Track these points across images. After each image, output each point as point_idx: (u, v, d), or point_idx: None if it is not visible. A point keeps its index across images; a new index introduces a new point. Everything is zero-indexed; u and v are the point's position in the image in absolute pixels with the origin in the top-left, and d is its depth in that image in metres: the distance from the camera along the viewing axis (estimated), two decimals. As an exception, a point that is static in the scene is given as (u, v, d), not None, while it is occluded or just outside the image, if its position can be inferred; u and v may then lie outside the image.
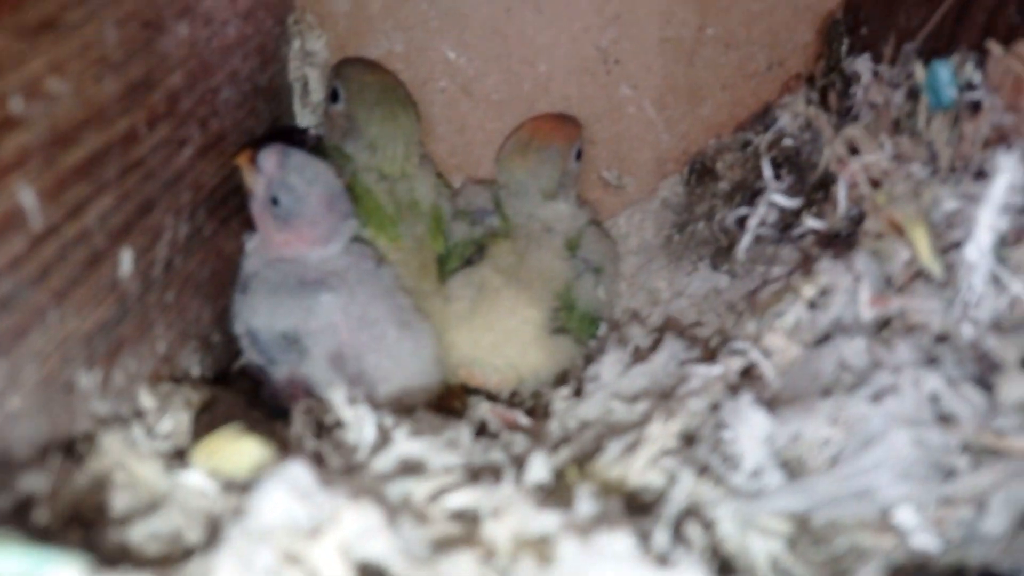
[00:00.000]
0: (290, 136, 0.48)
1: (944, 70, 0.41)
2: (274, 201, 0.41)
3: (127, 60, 0.30)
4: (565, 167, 0.54)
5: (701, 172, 0.60)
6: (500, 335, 0.49)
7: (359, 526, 0.21)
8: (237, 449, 0.26)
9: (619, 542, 0.22)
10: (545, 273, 0.51)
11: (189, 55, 0.36)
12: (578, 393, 0.43)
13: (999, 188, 0.33)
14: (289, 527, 0.21)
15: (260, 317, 0.42)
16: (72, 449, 0.28)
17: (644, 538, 0.23)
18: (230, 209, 0.43)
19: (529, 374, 0.50)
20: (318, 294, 0.42)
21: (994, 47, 0.38)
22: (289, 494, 0.22)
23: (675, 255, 0.59)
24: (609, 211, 0.61)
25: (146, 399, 0.33)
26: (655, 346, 0.45)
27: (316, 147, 0.51)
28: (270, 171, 0.41)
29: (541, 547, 0.23)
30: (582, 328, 0.52)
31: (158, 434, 0.30)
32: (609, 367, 0.42)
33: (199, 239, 0.39)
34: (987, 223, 0.33)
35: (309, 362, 0.42)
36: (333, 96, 0.51)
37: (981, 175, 0.35)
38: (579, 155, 0.55)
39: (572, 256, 0.53)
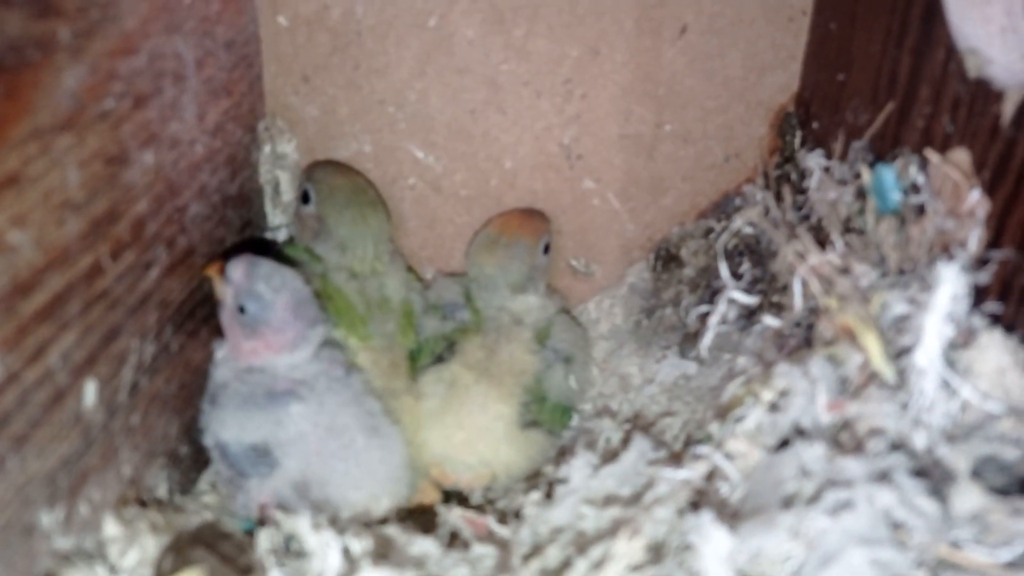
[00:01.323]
0: (261, 246, 0.49)
1: (888, 174, 0.43)
2: (241, 309, 0.42)
3: (90, 199, 0.31)
4: (533, 261, 0.55)
5: (666, 259, 0.62)
6: (472, 432, 0.50)
7: None
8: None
9: None
10: (515, 367, 0.52)
11: (155, 180, 0.37)
12: (549, 496, 0.43)
13: (943, 298, 0.34)
14: None
15: (229, 430, 0.42)
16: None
17: None
18: (198, 321, 0.43)
19: (502, 470, 0.50)
20: (287, 405, 0.42)
21: (931, 155, 0.40)
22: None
23: (644, 340, 0.60)
24: (579, 297, 0.62)
25: (111, 527, 0.33)
26: (625, 443, 0.46)
27: (284, 247, 0.52)
28: (238, 280, 0.42)
29: None
30: (554, 419, 0.53)
31: (122, 569, 0.30)
32: (579, 469, 0.42)
33: (166, 356, 0.39)
34: (934, 331, 0.34)
35: (280, 473, 0.42)
36: (304, 198, 0.52)
37: (927, 283, 0.36)
38: (547, 248, 0.56)
39: (542, 348, 0.54)
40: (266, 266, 0.43)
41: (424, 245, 0.60)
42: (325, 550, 0.30)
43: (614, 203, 0.60)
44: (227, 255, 0.43)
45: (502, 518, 0.43)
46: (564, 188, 0.59)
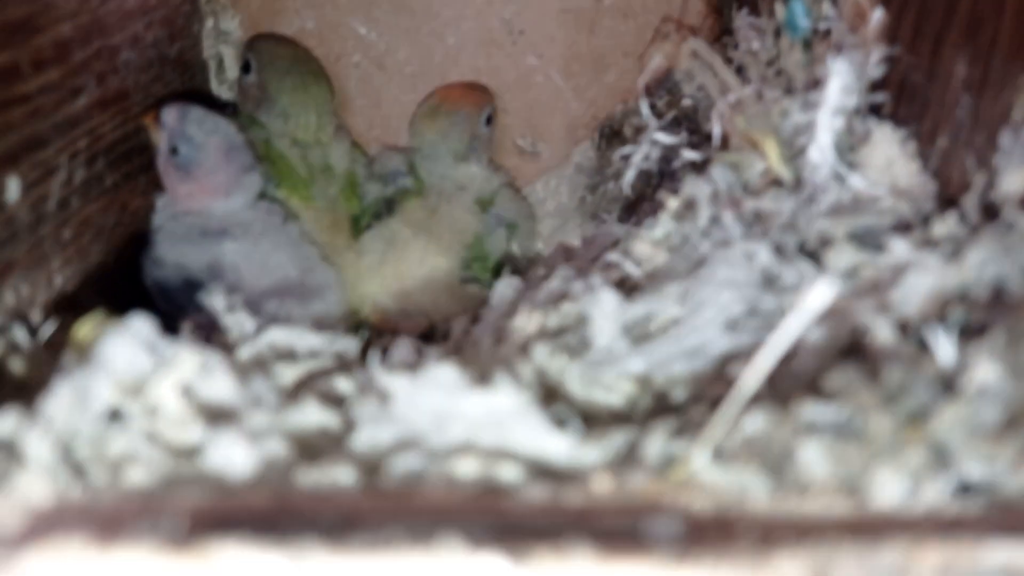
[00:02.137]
0: (202, 99, 0.50)
1: (798, 4, 0.44)
2: (173, 151, 0.43)
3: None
4: (474, 131, 0.56)
5: (610, 137, 0.63)
6: (410, 282, 0.51)
7: (199, 367, 0.23)
8: (96, 323, 0.27)
9: (446, 374, 0.24)
10: (456, 225, 0.54)
11: (79, 10, 0.38)
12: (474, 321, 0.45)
13: (833, 91, 0.36)
14: (131, 372, 0.23)
15: (165, 268, 0.44)
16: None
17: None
18: (135, 166, 0.45)
19: (440, 321, 0.52)
20: (221, 243, 0.44)
21: (836, -24, 0.41)
22: (132, 344, 0.23)
23: (588, 214, 0.62)
24: (526, 178, 0.64)
25: (37, 315, 0.35)
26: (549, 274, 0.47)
27: (232, 116, 0.54)
28: (171, 124, 0.44)
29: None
30: (496, 278, 0.54)
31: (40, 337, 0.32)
32: (500, 294, 0.44)
33: (99, 187, 0.41)
34: (825, 124, 0.36)
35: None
36: (245, 67, 0.54)
37: (820, 84, 0.38)
38: (489, 120, 0.58)
39: (484, 212, 0.55)
40: (198, 111, 0.44)
41: (370, 124, 0.61)
42: (240, 323, 0.32)
43: (557, 80, 0.61)
44: (161, 103, 0.45)
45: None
46: (508, 65, 0.60)
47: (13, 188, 0.33)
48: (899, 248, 0.29)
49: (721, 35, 0.60)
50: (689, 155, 0.46)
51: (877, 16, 0.39)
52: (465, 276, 0.53)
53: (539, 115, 0.62)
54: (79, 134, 0.39)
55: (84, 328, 0.27)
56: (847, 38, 0.40)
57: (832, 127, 0.36)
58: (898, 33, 0.38)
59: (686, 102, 0.58)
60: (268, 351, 0.30)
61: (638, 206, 0.58)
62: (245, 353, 0.29)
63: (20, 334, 0.31)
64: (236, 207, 0.46)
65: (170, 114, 0.44)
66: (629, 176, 0.47)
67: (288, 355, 0.30)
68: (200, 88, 0.55)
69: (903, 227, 0.32)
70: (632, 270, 0.38)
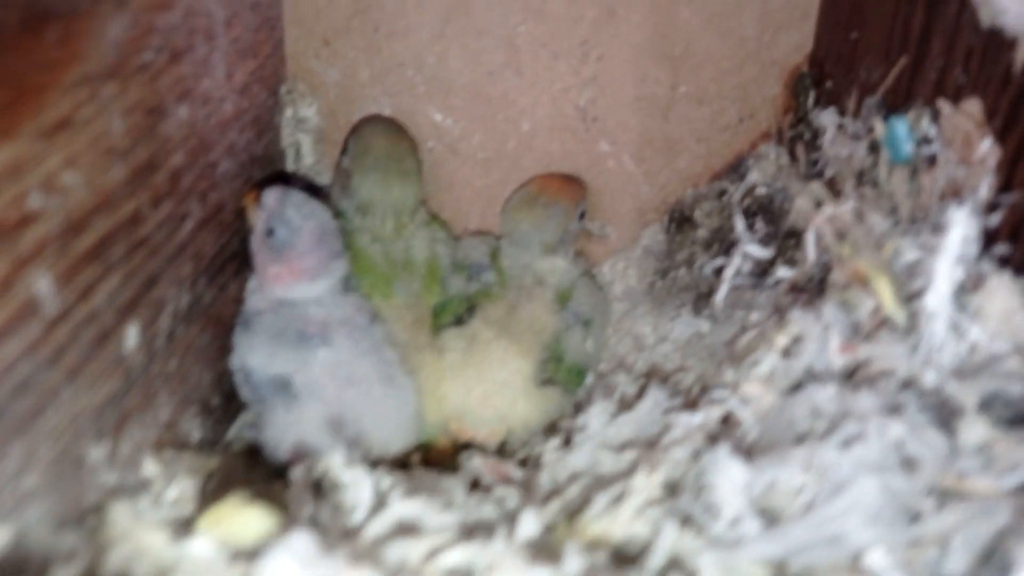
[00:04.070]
0: (292, 182, 0.50)
1: (901, 126, 0.43)
2: (270, 232, 0.44)
3: (133, 147, 0.32)
4: (567, 225, 0.56)
5: (680, 221, 0.63)
6: (490, 387, 0.51)
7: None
8: (242, 518, 0.27)
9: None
10: (535, 325, 0.53)
11: (189, 135, 0.38)
12: (567, 443, 0.44)
13: (954, 241, 0.35)
14: (294, 592, 0.23)
15: (257, 358, 0.44)
16: (83, 521, 0.29)
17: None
18: (228, 276, 0.45)
19: (518, 425, 0.51)
20: (315, 348, 0.44)
21: (944, 105, 0.41)
22: (293, 563, 0.23)
23: (658, 301, 0.61)
24: (594, 259, 0.63)
25: (150, 467, 0.34)
26: (640, 394, 0.47)
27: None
28: (270, 206, 0.44)
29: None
30: (569, 379, 0.54)
31: (164, 502, 0.32)
32: (596, 417, 0.44)
33: (199, 307, 0.41)
34: (945, 273, 0.35)
35: (297, 407, 0.44)
36: (344, 149, 0.54)
37: (938, 227, 0.37)
38: (582, 215, 0.57)
39: (562, 309, 0.55)
40: (297, 195, 0.45)
41: (442, 207, 0.61)
42: (358, 484, 0.32)
43: (629, 165, 0.61)
44: (261, 185, 0.45)
45: (521, 465, 0.44)
46: (580, 150, 0.60)
47: (132, 336, 0.33)
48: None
49: (797, 122, 0.59)
50: (784, 272, 0.45)
51: (987, 145, 0.39)
52: (542, 377, 0.52)
53: (609, 198, 0.62)
54: (185, 260, 0.39)
55: (219, 518, 0.27)
56: (957, 171, 0.40)
57: (952, 277, 0.35)
58: (1015, 172, 0.37)
59: (760, 190, 0.57)
60: (393, 528, 0.29)
61: (707, 296, 0.58)
62: (372, 532, 0.29)
63: (145, 502, 0.31)
64: (320, 292, 0.46)
65: (271, 196, 0.45)
66: (723, 291, 0.47)
67: (413, 530, 0.30)
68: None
69: (1038, 401, 0.32)
70: (740, 410, 0.38)
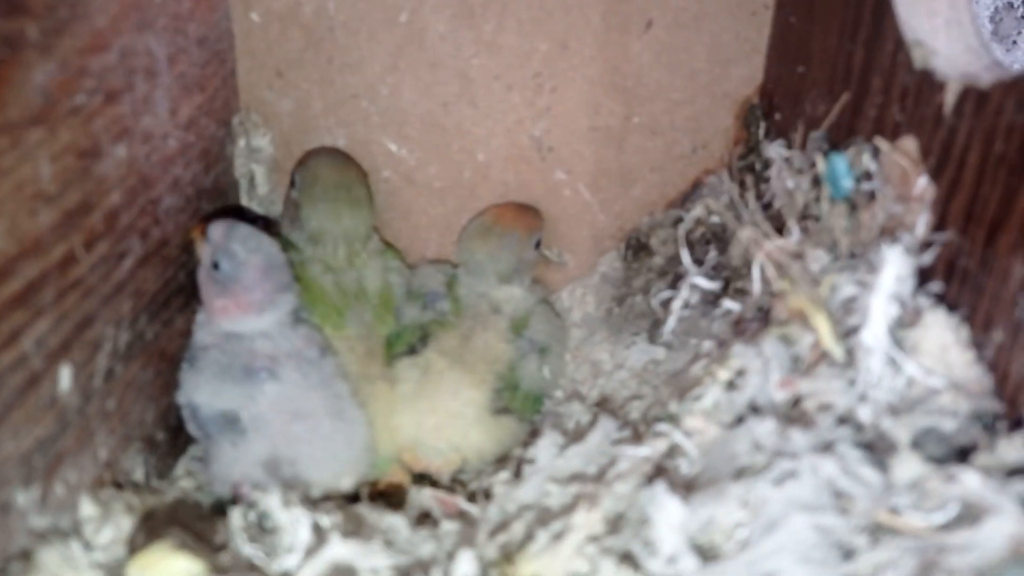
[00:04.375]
0: (242, 215, 0.50)
1: (840, 162, 0.44)
2: (215, 266, 0.44)
3: (63, 190, 0.32)
4: (523, 254, 0.56)
5: (636, 248, 0.63)
6: (443, 417, 0.51)
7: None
8: (169, 565, 0.27)
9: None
10: (489, 355, 0.53)
11: (128, 173, 0.38)
12: (517, 475, 0.44)
13: (887, 278, 0.36)
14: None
15: (203, 394, 0.44)
16: (7, 569, 0.28)
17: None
18: (173, 310, 0.44)
19: (472, 455, 0.51)
20: (262, 383, 0.44)
21: (881, 143, 0.41)
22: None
23: (616, 327, 0.62)
24: (553, 286, 0.64)
25: (87, 507, 0.34)
26: (592, 423, 0.47)
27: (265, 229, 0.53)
28: (216, 239, 0.44)
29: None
30: (525, 407, 0.54)
31: (96, 546, 0.31)
32: (545, 449, 0.44)
33: (141, 344, 0.40)
34: (879, 310, 0.36)
35: (248, 448, 0.43)
36: (292, 182, 0.53)
37: (874, 264, 0.38)
38: (538, 244, 0.58)
39: (518, 337, 0.55)
40: (243, 228, 0.45)
41: (398, 236, 0.61)
42: (295, 525, 0.31)
43: (585, 194, 0.61)
44: (209, 219, 0.45)
45: (472, 497, 0.44)
46: (536, 179, 0.60)
47: (65, 377, 0.33)
48: (970, 480, 0.29)
49: (748, 152, 0.60)
50: (730, 305, 0.46)
51: (923, 183, 0.40)
52: (497, 407, 0.52)
53: (566, 227, 0.62)
54: (123, 298, 0.38)
55: (146, 565, 0.26)
56: (896, 207, 0.41)
57: (887, 314, 0.36)
58: (948, 210, 0.38)
59: (713, 218, 0.58)
60: (329, 571, 0.29)
61: (662, 323, 0.58)
62: (309, 572, 0.29)
63: (75, 546, 0.30)
64: (268, 325, 0.45)
65: (216, 229, 0.44)
66: (670, 323, 0.47)
67: (348, 573, 0.30)
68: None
69: (966, 439, 0.32)
70: (683, 443, 0.38)
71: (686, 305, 0.48)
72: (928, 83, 0.39)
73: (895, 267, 0.36)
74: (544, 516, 0.38)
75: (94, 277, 0.35)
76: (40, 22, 0.29)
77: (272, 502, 0.32)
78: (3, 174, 0.28)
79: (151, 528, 0.33)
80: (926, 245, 0.38)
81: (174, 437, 0.45)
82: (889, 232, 0.40)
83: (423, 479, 0.50)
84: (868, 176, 0.43)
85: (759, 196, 0.54)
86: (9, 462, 0.29)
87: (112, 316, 0.37)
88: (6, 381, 0.28)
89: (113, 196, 0.36)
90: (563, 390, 0.57)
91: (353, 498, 0.45)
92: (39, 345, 0.30)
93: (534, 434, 0.52)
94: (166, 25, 0.41)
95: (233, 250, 0.44)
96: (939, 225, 0.38)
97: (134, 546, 0.31)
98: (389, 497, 0.47)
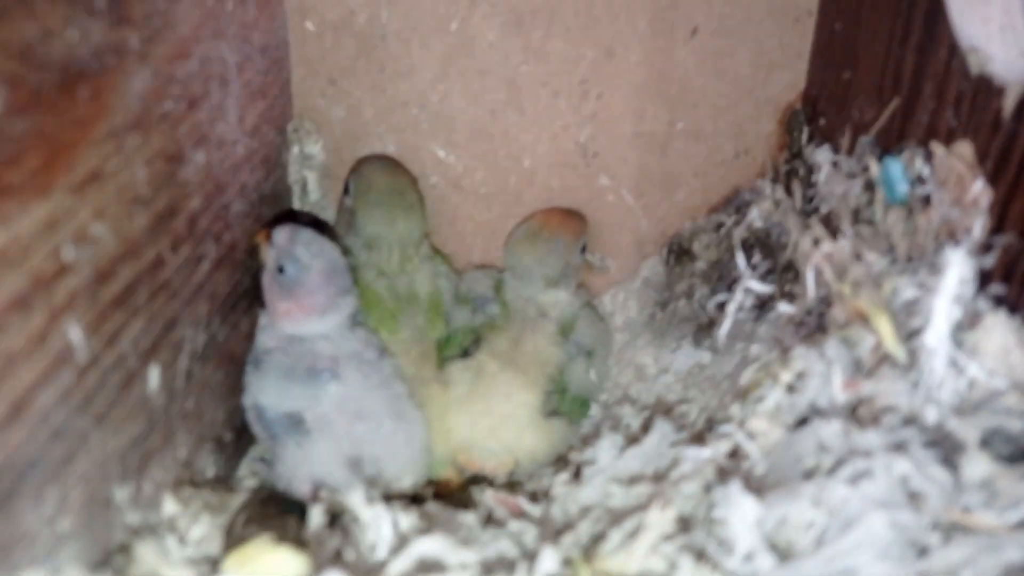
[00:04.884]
0: (299, 220, 0.51)
1: (896, 167, 0.45)
2: (280, 270, 0.45)
3: (155, 194, 0.33)
4: (569, 258, 0.57)
5: (679, 253, 0.64)
6: (496, 419, 0.52)
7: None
8: (270, 559, 0.28)
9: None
10: (539, 358, 0.54)
11: (206, 179, 0.39)
12: (577, 477, 0.45)
13: (950, 281, 0.37)
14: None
15: (268, 396, 0.45)
16: (110, 561, 0.29)
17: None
18: (239, 313, 0.45)
19: (524, 457, 0.52)
20: (326, 383, 0.45)
21: (937, 147, 0.42)
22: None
23: (659, 332, 0.63)
24: (595, 291, 0.64)
25: (170, 506, 0.35)
26: (646, 427, 0.48)
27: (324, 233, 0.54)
28: (281, 244, 0.45)
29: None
30: (574, 410, 0.55)
31: (189, 541, 0.32)
32: (605, 450, 0.45)
33: (214, 346, 0.41)
34: (942, 312, 0.37)
35: (309, 443, 0.44)
36: (346, 189, 0.54)
37: (934, 267, 0.38)
38: (584, 249, 0.59)
39: (565, 340, 0.56)
40: (307, 233, 0.46)
41: (445, 241, 0.62)
42: (378, 523, 0.32)
43: (628, 199, 0.62)
44: (272, 224, 0.46)
45: (532, 499, 0.45)
46: (580, 185, 0.61)
47: (154, 377, 0.34)
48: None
49: (792, 158, 0.61)
50: (785, 308, 0.47)
51: (979, 187, 0.40)
52: (548, 409, 0.53)
53: (609, 232, 0.63)
54: (201, 300, 0.39)
55: (245, 559, 0.27)
56: (952, 211, 0.41)
57: (950, 316, 0.37)
58: (1007, 213, 0.38)
59: (757, 224, 0.59)
60: (416, 566, 0.30)
61: (708, 328, 0.59)
62: (395, 570, 0.30)
63: (170, 541, 0.31)
64: (329, 327, 0.46)
65: (282, 234, 0.46)
66: (726, 326, 0.48)
67: (435, 567, 0.30)
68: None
69: (1037, 438, 0.33)
70: (747, 445, 0.39)
71: (739, 309, 0.49)
72: (985, 88, 0.40)
73: (958, 269, 0.37)
74: (610, 516, 0.39)
75: (178, 279, 0.36)
76: (139, 31, 0.30)
77: (356, 499, 0.33)
78: (108, 178, 0.29)
79: (245, 523, 0.34)
80: (986, 247, 0.39)
81: (239, 438, 0.46)
82: (946, 236, 0.41)
83: (478, 480, 0.51)
84: (922, 181, 0.44)
85: (807, 201, 0.54)
86: (110, 459, 0.30)
87: (192, 318, 0.38)
88: (108, 379, 0.30)
89: (194, 200, 0.37)
90: (610, 394, 0.58)
91: (414, 499, 0.46)
92: (134, 345, 0.31)
93: (590, 436, 0.53)
94: (235, 34, 0.42)
95: (298, 254, 0.45)
96: (997, 229, 0.39)
97: (230, 541, 0.32)
98: (446, 499, 0.48)
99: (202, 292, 0.39)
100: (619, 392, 0.58)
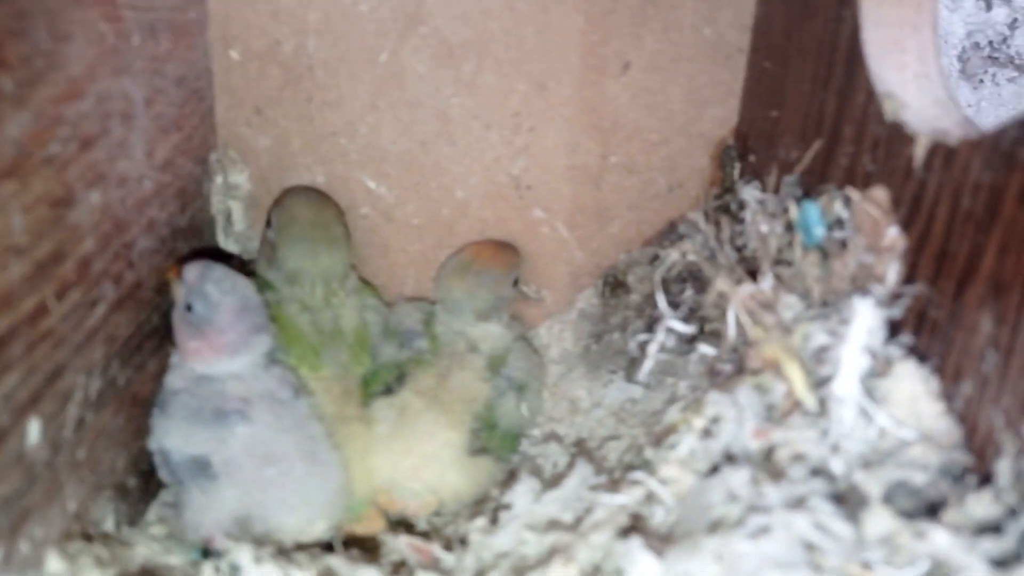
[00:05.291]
0: (218, 256, 0.50)
1: (813, 210, 0.45)
2: (189, 308, 0.43)
3: (35, 242, 0.31)
4: (501, 291, 0.56)
5: (614, 285, 0.64)
6: (419, 459, 0.50)
7: None
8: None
9: None
10: (466, 395, 0.53)
11: (102, 219, 0.37)
12: (494, 521, 0.44)
13: (858, 330, 0.37)
14: None
15: (174, 439, 0.43)
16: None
17: None
18: (145, 354, 0.44)
19: (449, 497, 0.51)
20: (234, 425, 0.43)
21: (852, 192, 0.42)
22: None
23: (593, 364, 0.62)
24: (531, 322, 0.64)
25: (54, 563, 0.33)
26: (570, 468, 0.47)
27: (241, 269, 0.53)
28: (191, 281, 0.44)
29: None
30: (503, 446, 0.54)
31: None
32: (522, 495, 0.44)
33: (113, 390, 0.40)
34: (850, 362, 0.37)
35: (219, 495, 0.43)
36: (268, 221, 0.53)
37: (845, 315, 0.38)
38: (516, 281, 0.58)
39: (495, 376, 0.55)
40: (219, 270, 0.45)
41: (377, 273, 0.61)
42: (267, 582, 0.31)
43: (563, 232, 0.62)
44: (185, 260, 0.45)
45: (448, 544, 0.44)
46: (514, 217, 0.61)
47: (34, 431, 0.32)
48: (940, 538, 0.29)
49: (723, 192, 0.61)
50: (705, 350, 0.46)
51: (893, 233, 0.40)
52: (474, 447, 0.52)
53: (544, 263, 0.62)
54: (95, 345, 0.38)
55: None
56: (867, 256, 0.41)
57: (858, 365, 0.36)
58: (919, 261, 0.39)
59: (690, 257, 0.59)
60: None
61: (639, 363, 0.59)
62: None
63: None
64: (241, 367, 0.45)
65: (192, 271, 0.44)
66: (647, 366, 0.48)
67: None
68: (207, 247, 0.54)
69: (935, 493, 0.32)
70: (659, 491, 0.38)
71: (662, 348, 0.48)
72: (899, 135, 0.40)
73: (866, 319, 0.37)
74: (521, 566, 0.38)
75: (65, 327, 0.34)
76: (14, 74, 0.29)
77: (243, 557, 0.31)
78: (-27, 231, 0.27)
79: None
80: (896, 296, 0.39)
81: (145, 483, 0.44)
82: (861, 281, 0.41)
83: (399, 523, 0.50)
84: (840, 224, 0.44)
85: (734, 237, 0.54)
86: (-27, 523, 0.28)
87: (83, 364, 0.36)
88: (-28, 440, 0.28)
89: (87, 243, 0.36)
90: (540, 430, 0.57)
91: (327, 545, 0.44)
92: (6, 400, 0.30)
93: (511, 478, 0.52)
94: (143, 67, 0.41)
95: (207, 292, 0.44)
96: (910, 275, 0.39)
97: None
98: (364, 543, 0.47)
99: (96, 336, 0.37)
100: (550, 427, 0.57)
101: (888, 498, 0.33)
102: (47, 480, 0.33)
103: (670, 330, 0.48)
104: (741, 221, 0.55)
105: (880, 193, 0.41)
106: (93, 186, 0.36)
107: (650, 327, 0.55)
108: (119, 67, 0.38)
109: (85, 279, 0.36)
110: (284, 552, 0.38)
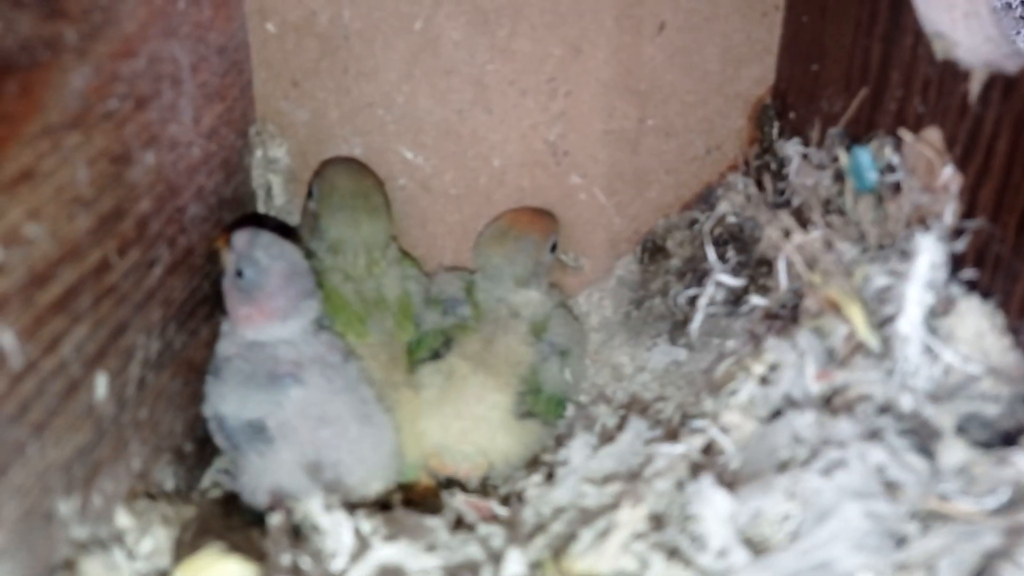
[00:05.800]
0: (263, 224, 0.50)
1: (864, 155, 0.44)
2: (239, 274, 0.44)
3: (98, 195, 0.32)
4: (539, 257, 0.56)
5: (653, 250, 0.63)
6: (468, 422, 0.50)
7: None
8: (219, 569, 0.26)
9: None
10: (511, 358, 0.53)
11: (156, 180, 0.38)
12: (550, 478, 0.44)
13: (922, 267, 0.36)
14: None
15: (229, 404, 0.43)
16: (52, 579, 0.28)
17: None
18: (199, 320, 0.44)
19: (498, 459, 0.51)
20: (287, 388, 0.44)
21: (905, 134, 0.42)
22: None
23: (634, 330, 0.62)
24: (569, 291, 0.63)
25: (123, 519, 0.33)
26: (621, 425, 0.47)
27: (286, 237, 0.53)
28: (240, 248, 0.44)
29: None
30: (549, 410, 0.54)
31: (138, 555, 0.31)
32: (578, 450, 0.44)
33: (170, 353, 0.40)
34: (915, 299, 0.36)
35: (272, 451, 0.43)
36: (309, 193, 0.53)
37: (905, 254, 0.38)
38: (554, 247, 0.58)
39: (538, 340, 0.55)
40: (267, 236, 0.45)
41: (415, 243, 0.61)
42: (338, 530, 0.31)
43: (600, 198, 0.61)
44: (232, 228, 0.45)
45: (504, 501, 0.44)
46: (551, 184, 0.60)
47: (101, 386, 0.32)
48: (1022, 462, 0.29)
49: (763, 152, 0.60)
50: (757, 301, 0.46)
51: (948, 173, 0.40)
52: (521, 410, 0.52)
53: (582, 231, 0.62)
54: (154, 306, 0.38)
55: (195, 570, 0.26)
56: (922, 198, 0.41)
57: (922, 302, 0.36)
58: (977, 198, 0.38)
59: (729, 219, 0.58)
60: (376, 574, 0.29)
61: (683, 324, 0.58)
62: (358, 574, 0.28)
63: (118, 555, 0.30)
64: (291, 332, 0.45)
65: (240, 238, 0.44)
66: (697, 320, 0.47)
67: (396, 574, 0.29)
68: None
69: (1010, 423, 0.32)
70: (721, 439, 0.38)
71: (711, 303, 0.48)
72: (951, 74, 0.39)
73: (929, 255, 0.36)
74: (583, 517, 0.38)
75: (127, 284, 0.35)
76: (77, 26, 0.29)
77: (314, 507, 0.31)
78: (44, 177, 0.27)
79: (195, 535, 0.32)
80: (957, 233, 0.38)
81: (201, 449, 0.45)
82: (917, 222, 0.40)
83: (451, 485, 0.50)
84: (891, 168, 0.43)
85: (778, 194, 0.54)
86: (52, 470, 0.28)
87: (143, 324, 0.36)
88: (48, 387, 0.28)
89: (143, 203, 0.36)
90: (587, 394, 0.57)
91: (383, 505, 0.44)
92: (78, 351, 0.30)
93: (564, 436, 0.51)
94: (189, 33, 0.41)
95: (256, 257, 0.44)
96: (968, 213, 0.38)
97: (180, 552, 0.30)
98: (418, 504, 0.47)
99: (154, 297, 0.38)
100: (595, 392, 0.57)
101: (961, 430, 0.32)
102: (114, 436, 0.34)
103: (719, 285, 0.47)
104: (783, 179, 0.54)
105: (933, 133, 0.41)
106: (148, 146, 0.36)
107: (695, 287, 0.54)
108: (167, 29, 0.38)
109: (143, 238, 0.36)
110: (349, 505, 0.38)
